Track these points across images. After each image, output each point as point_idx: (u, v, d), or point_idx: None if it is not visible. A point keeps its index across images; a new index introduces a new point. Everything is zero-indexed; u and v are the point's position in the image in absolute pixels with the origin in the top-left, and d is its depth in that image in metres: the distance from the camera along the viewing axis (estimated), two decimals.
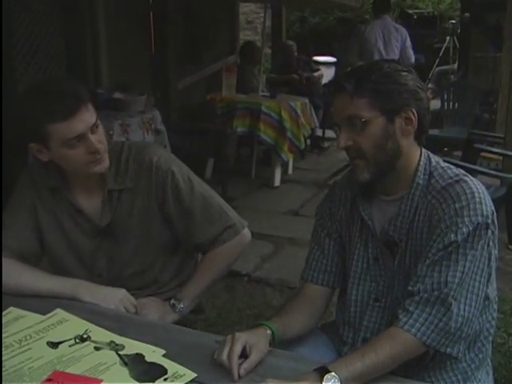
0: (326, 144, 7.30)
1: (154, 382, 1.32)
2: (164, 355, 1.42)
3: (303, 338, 1.61)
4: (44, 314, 1.62)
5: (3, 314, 1.62)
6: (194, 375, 1.34)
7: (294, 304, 1.63)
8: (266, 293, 3.62)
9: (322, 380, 1.25)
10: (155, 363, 1.39)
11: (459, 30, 9.24)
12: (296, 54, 7.35)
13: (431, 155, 1.52)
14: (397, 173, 1.49)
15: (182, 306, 1.81)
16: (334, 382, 1.25)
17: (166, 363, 1.38)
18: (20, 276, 1.74)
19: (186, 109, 6.20)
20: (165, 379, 1.33)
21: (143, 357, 1.41)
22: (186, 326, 1.68)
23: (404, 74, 1.45)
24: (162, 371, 1.36)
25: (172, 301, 1.82)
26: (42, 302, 1.68)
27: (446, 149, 6.14)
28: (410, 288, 1.41)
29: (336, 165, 6.35)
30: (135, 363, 1.39)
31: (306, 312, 1.61)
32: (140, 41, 6.15)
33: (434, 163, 1.50)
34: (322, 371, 1.27)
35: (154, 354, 1.43)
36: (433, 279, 1.38)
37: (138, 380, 1.33)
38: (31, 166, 1.88)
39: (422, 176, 1.48)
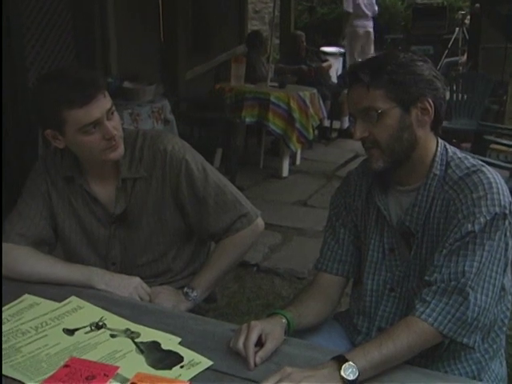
0: (333, 135, 7.28)
1: (170, 369, 1.33)
2: (180, 343, 1.43)
3: (317, 327, 1.62)
4: (59, 301, 1.63)
5: (18, 300, 1.63)
6: (210, 363, 1.35)
7: (308, 293, 1.63)
8: (274, 283, 3.63)
9: (340, 369, 1.25)
10: (171, 351, 1.40)
11: (469, 21, 9.18)
12: (304, 44, 7.32)
13: (448, 146, 1.52)
14: (413, 163, 1.49)
15: (195, 294, 1.81)
16: (352, 371, 1.25)
17: (182, 351, 1.39)
18: (35, 263, 1.75)
19: (194, 98, 6.20)
20: (181, 367, 1.34)
21: (159, 344, 1.42)
22: (199, 315, 1.69)
23: (420, 63, 1.44)
24: (178, 359, 1.37)
25: (185, 289, 1.82)
26: (56, 290, 1.69)
27: (454, 140, 6.10)
28: (426, 278, 1.41)
29: (344, 156, 6.35)
30: (151, 351, 1.40)
31: (320, 301, 1.61)
32: (149, 31, 6.14)
33: (450, 153, 1.49)
34: (340, 360, 1.27)
35: (169, 341, 1.43)
36: (450, 269, 1.38)
37: (154, 367, 1.34)
38: (45, 154, 1.89)
39: (438, 167, 1.48)
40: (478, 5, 7.69)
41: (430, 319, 1.35)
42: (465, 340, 1.37)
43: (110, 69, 5.40)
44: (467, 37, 9.17)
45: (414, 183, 1.51)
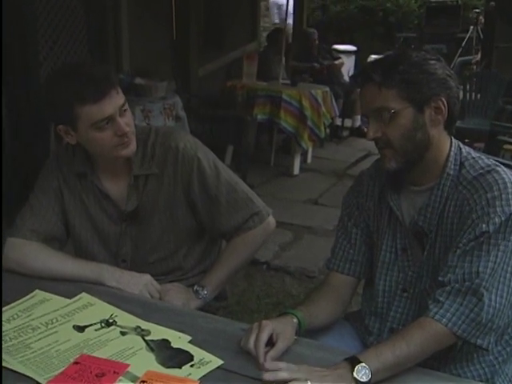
0: (345, 133, 7.25)
1: (180, 368, 1.32)
2: (190, 341, 1.42)
3: (328, 327, 1.61)
4: (69, 297, 1.63)
5: (28, 296, 1.63)
6: (221, 362, 1.34)
7: (319, 293, 1.62)
8: (284, 281, 3.62)
9: (352, 370, 1.24)
10: (181, 349, 1.39)
11: (483, 20, 9.11)
12: (317, 42, 7.29)
13: (462, 145, 1.50)
14: (426, 163, 1.47)
15: (205, 292, 1.80)
16: (365, 372, 1.24)
17: (193, 349, 1.39)
18: (46, 259, 1.75)
19: (206, 95, 6.19)
20: (191, 365, 1.33)
21: (169, 343, 1.42)
22: (209, 313, 1.68)
23: (432, 62, 1.43)
24: (188, 357, 1.36)
25: (195, 287, 1.81)
26: (67, 286, 1.69)
27: (467, 140, 6.06)
28: (440, 278, 1.40)
29: (355, 154, 6.33)
30: (161, 349, 1.39)
31: (331, 301, 1.60)
32: (161, 27, 6.14)
33: (464, 153, 1.48)
34: (353, 361, 1.26)
35: (179, 340, 1.43)
36: (464, 269, 1.36)
37: (164, 366, 1.33)
38: (57, 150, 1.89)
39: (452, 166, 1.46)
40: (492, 3, 7.63)
41: (443, 320, 1.34)
42: (479, 341, 1.35)
43: (122, 65, 5.41)
44: (481, 36, 9.11)
45: (427, 183, 1.50)
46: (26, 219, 1.81)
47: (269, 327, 1.36)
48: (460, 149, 1.49)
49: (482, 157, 1.49)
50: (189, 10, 6.50)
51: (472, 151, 1.50)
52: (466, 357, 1.49)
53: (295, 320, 1.45)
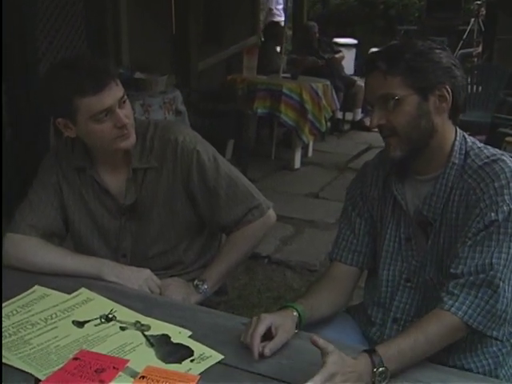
0: (346, 126, 7.23)
1: (180, 363, 1.32)
2: (190, 336, 1.42)
3: (330, 320, 1.61)
4: (69, 292, 1.62)
5: (28, 292, 1.62)
6: (221, 357, 1.34)
7: (321, 284, 1.62)
8: (286, 275, 3.61)
9: (372, 363, 1.26)
10: (181, 344, 1.39)
11: (484, 12, 9.07)
12: (317, 35, 7.26)
13: (466, 135, 1.50)
14: (431, 151, 1.48)
15: (205, 286, 1.80)
16: (384, 377, 1.26)
17: (193, 344, 1.38)
18: (45, 254, 1.74)
19: (206, 90, 6.17)
20: (191, 360, 1.32)
21: (169, 338, 1.41)
22: (209, 308, 1.67)
23: (438, 51, 1.43)
24: (188, 352, 1.35)
25: (196, 281, 1.80)
26: (66, 281, 1.68)
27: (468, 133, 6.04)
28: (452, 270, 1.40)
29: (356, 148, 6.31)
30: (161, 344, 1.39)
31: (333, 292, 1.60)
32: (161, 21, 6.11)
33: (470, 143, 1.48)
34: (374, 359, 1.27)
35: (180, 335, 1.42)
36: (476, 261, 1.37)
37: (164, 361, 1.33)
38: (56, 145, 1.88)
39: (457, 155, 1.46)
40: None
41: (459, 313, 1.34)
42: (494, 333, 1.37)
43: (122, 59, 5.38)
44: (482, 28, 9.07)
45: (432, 172, 1.50)
46: (25, 214, 1.80)
47: (267, 320, 1.36)
48: (465, 138, 1.50)
49: (488, 146, 1.49)
50: (188, 4, 6.46)
51: (477, 141, 1.51)
52: (469, 347, 1.49)
53: (295, 313, 1.44)
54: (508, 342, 1.51)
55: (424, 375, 1.31)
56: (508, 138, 4.80)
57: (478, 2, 9.80)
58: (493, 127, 5.19)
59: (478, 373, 1.48)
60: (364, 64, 1.50)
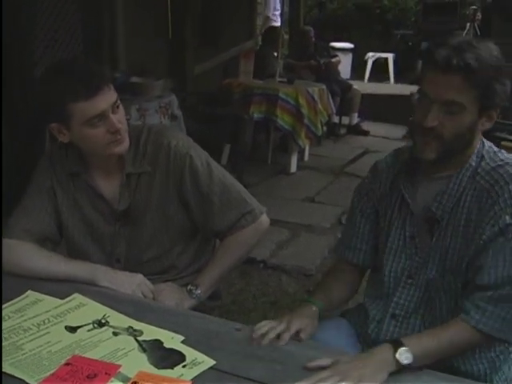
0: (342, 131, 7.24)
1: (172, 368, 1.31)
2: (182, 341, 1.41)
3: (325, 324, 1.61)
4: (62, 298, 1.62)
5: (21, 297, 1.62)
6: (213, 362, 1.33)
7: (330, 278, 1.72)
8: (281, 280, 3.60)
9: (395, 352, 1.29)
10: (174, 350, 1.38)
11: (480, 16, 9.09)
12: (313, 39, 7.28)
13: (484, 140, 1.53)
14: (455, 155, 1.50)
15: (199, 291, 1.79)
16: (407, 357, 1.30)
17: (185, 350, 1.38)
18: (39, 259, 1.74)
19: (202, 94, 6.17)
20: (183, 366, 1.32)
21: (162, 343, 1.41)
22: (204, 313, 1.67)
23: (507, 70, 1.46)
24: (180, 358, 1.35)
25: (189, 286, 1.80)
26: (59, 286, 1.68)
27: None
28: (478, 282, 1.42)
29: (352, 152, 6.32)
30: (153, 349, 1.38)
31: (344, 284, 1.70)
32: (157, 25, 6.11)
33: (486, 147, 1.51)
34: (396, 344, 1.31)
35: (172, 340, 1.42)
36: (500, 269, 1.39)
37: (156, 366, 1.32)
38: (50, 150, 1.88)
39: (475, 158, 1.49)
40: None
41: (486, 328, 1.39)
42: None
43: (118, 64, 5.39)
44: (478, 32, 9.10)
45: (447, 171, 1.52)
46: (19, 219, 1.80)
47: (295, 326, 1.45)
48: (483, 142, 1.52)
49: (503, 151, 1.52)
50: (185, 8, 6.47)
51: (493, 146, 1.54)
52: (469, 351, 1.51)
53: (315, 309, 1.55)
54: (507, 349, 1.54)
55: (420, 379, 1.32)
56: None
57: (474, 7, 9.84)
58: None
59: (473, 376, 1.49)
60: (444, 61, 1.39)
